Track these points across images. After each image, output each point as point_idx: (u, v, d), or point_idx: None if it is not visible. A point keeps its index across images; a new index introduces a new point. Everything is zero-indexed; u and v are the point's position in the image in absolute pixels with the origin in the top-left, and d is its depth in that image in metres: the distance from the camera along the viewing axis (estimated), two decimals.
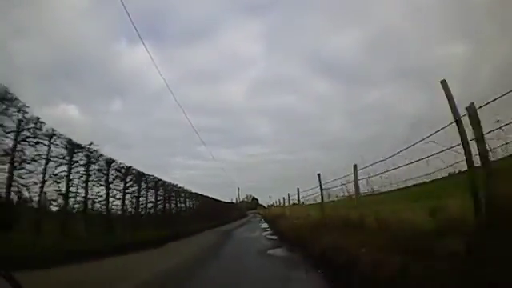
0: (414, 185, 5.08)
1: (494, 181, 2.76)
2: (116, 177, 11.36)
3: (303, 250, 6.49)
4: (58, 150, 8.82)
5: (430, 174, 4.09)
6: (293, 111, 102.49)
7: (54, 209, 8.94)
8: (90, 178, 10.01)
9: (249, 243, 10.75)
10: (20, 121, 7.92)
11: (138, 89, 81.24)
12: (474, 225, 2.80)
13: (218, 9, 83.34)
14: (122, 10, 9.90)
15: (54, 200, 8.68)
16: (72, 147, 9.32)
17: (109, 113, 69.04)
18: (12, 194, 7.73)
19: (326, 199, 8.52)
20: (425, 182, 4.71)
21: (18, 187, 7.84)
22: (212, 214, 26.17)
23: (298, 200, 13.97)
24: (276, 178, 78.24)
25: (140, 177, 13.36)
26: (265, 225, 22.52)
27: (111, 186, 11.04)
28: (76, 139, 9.41)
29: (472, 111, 3.05)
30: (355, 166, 5.94)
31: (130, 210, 12.40)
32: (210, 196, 29.01)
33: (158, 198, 15.51)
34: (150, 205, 14.58)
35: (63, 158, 8.99)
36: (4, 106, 7.63)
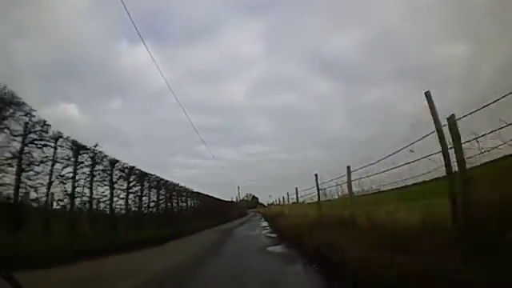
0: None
1: (469, 187, 3.06)
2: (120, 177, 11.69)
3: (301, 247, 6.81)
4: (64, 152, 9.16)
5: (415, 176, 4.40)
6: (293, 110, 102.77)
7: (60, 209, 9.25)
8: (95, 179, 10.34)
9: (249, 241, 11.07)
10: (26, 124, 8.21)
11: (139, 88, 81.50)
12: (452, 227, 3.10)
13: (219, 9, 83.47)
14: (123, 10, 10.00)
15: (61, 200, 8.98)
16: (77, 148, 9.64)
17: (109, 112, 69.39)
18: (20, 195, 8.06)
19: (322, 198, 8.83)
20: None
21: (26, 188, 8.16)
22: (212, 212, 26.50)
23: (297, 199, 14.29)
24: (276, 177, 78.64)
25: (143, 176, 13.68)
26: (265, 223, 22.81)
27: (115, 185, 11.36)
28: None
29: (452, 122, 3.33)
30: (348, 168, 6.25)
31: (133, 209, 12.73)
32: (210, 195, 29.36)
33: (160, 198, 15.84)
34: (152, 204, 14.92)
35: (69, 159, 9.31)
36: (11, 110, 7.94)
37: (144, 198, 13.85)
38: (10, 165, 7.74)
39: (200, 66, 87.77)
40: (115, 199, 11.32)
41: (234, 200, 55.76)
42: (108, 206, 10.99)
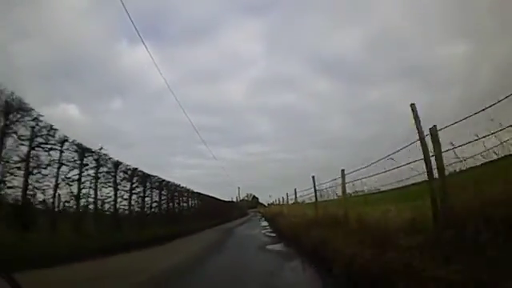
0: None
1: (448, 191, 3.38)
2: (123, 178, 12.01)
3: (298, 245, 7.16)
4: (70, 155, 9.48)
5: (401, 180, 4.73)
6: (293, 110, 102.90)
7: (67, 209, 9.57)
8: (100, 180, 10.66)
9: (249, 240, 11.41)
10: (33, 128, 8.52)
11: (139, 88, 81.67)
12: (433, 227, 3.42)
13: (219, 8, 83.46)
14: (123, 10, 9.95)
15: (68, 201, 9.30)
16: (82, 151, 9.96)
17: (109, 112, 69.55)
18: (28, 196, 8.37)
19: (320, 199, 9.16)
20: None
21: (34, 190, 8.47)
22: (213, 212, 26.82)
23: (295, 199, 14.66)
24: (276, 177, 78.82)
25: (145, 178, 14.00)
26: (265, 223, 23.14)
27: (119, 187, 11.69)
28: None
29: (434, 132, 3.65)
30: (343, 171, 6.58)
31: (136, 209, 13.06)
32: (211, 195, 29.68)
33: (162, 198, 16.17)
34: (154, 204, 15.24)
35: (74, 162, 9.63)
36: (19, 116, 8.25)
37: (146, 199, 14.19)
38: (19, 168, 8.07)
39: (200, 65, 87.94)
40: (119, 200, 11.64)
41: (235, 200, 56.08)
42: (112, 207, 11.30)
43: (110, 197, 11.14)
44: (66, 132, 9.38)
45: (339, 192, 7.11)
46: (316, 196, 9.21)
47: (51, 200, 8.87)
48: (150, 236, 11.10)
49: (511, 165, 3.08)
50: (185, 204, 20.98)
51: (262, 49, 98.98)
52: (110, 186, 11.18)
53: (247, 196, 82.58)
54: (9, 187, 7.89)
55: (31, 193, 8.35)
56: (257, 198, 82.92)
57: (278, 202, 28.14)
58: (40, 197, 8.61)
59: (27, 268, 4.73)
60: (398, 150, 4.37)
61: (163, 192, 16.30)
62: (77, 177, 9.65)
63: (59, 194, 9.04)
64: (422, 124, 3.90)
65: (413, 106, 3.93)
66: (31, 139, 8.39)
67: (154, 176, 15.06)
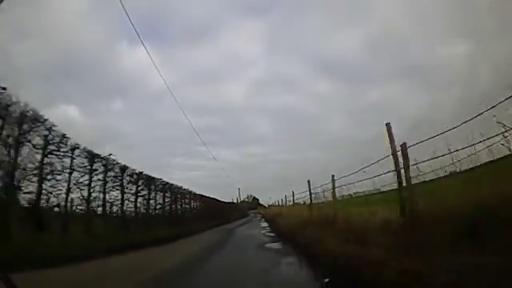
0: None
1: (414, 198, 4.04)
2: (129, 182, 12.66)
3: (294, 244, 7.82)
4: (81, 160, 10.12)
5: (384, 185, 5.41)
6: (293, 111, 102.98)
7: (77, 212, 10.19)
8: (108, 184, 11.31)
9: (249, 240, 12.04)
10: (46, 136, 9.13)
11: (139, 89, 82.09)
12: (401, 226, 4.07)
13: (219, 9, 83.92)
14: (123, 12, 10.29)
15: (80, 204, 9.94)
16: (92, 157, 10.60)
17: (109, 113, 69.66)
18: (42, 200, 8.97)
19: (315, 201, 9.82)
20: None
21: (48, 195, 9.10)
22: (214, 214, 27.42)
23: (293, 201, 15.38)
24: (277, 178, 79.10)
25: (149, 181, 14.65)
26: (264, 224, 23.69)
27: (125, 190, 12.34)
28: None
29: (404, 148, 4.31)
30: (333, 176, 7.26)
31: (142, 211, 13.71)
32: (211, 197, 30.29)
33: (166, 200, 16.81)
34: (158, 206, 15.89)
35: (85, 167, 10.28)
36: (33, 126, 8.86)
37: (151, 201, 14.83)
38: (35, 175, 8.69)
39: (200, 66, 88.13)
40: (126, 202, 12.28)
41: (235, 201, 56.63)
42: (119, 209, 11.94)
43: (118, 200, 11.78)
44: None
45: (329, 196, 7.77)
46: (311, 198, 9.87)
47: (63, 203, 9.51)
48: (155, 236, 11.66)
49: (467, 178, 3.72)
50: (187, 206, 21.60)
51: (262, 49, 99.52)
52: (117, 190, 11.83)
53: (247, 197, 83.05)
54: (25, 192, 8.52)
55: (45, 197, 9.00)
56: (257, 199, 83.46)
57: (277, 203, 28.77)
58: (53, 201, 9.25)
59: (41, 267, 5.32)
60: (372, 164, 5.04)
61: (167, 194, 16.94)
62: (87, 181, 10.30)
63: (72, 198, 9.68)
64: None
65: (388, 125, 4.59)
66: (44, 147, 9.01)
67: (158, 179, 15.74)
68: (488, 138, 3.24)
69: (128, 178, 12.63)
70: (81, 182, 9.92)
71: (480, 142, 3.32)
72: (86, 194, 10.21)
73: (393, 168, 4.65)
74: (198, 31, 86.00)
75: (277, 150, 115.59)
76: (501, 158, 3.22)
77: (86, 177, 10.19)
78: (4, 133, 8.02)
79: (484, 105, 3.38)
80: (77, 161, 9.89)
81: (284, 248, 8.46)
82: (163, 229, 13.87)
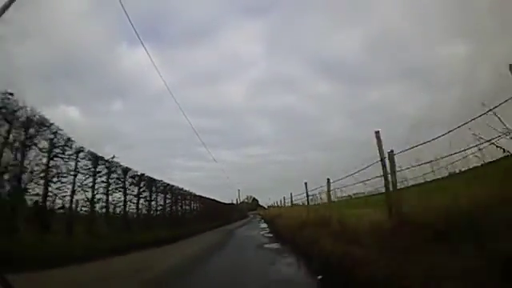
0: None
1: (400, 201, 4.35)
2: (131, 183, 12.95)
3: (292, 244, 8.12)
4: (85, 163, 10.42)
5: (377, 188, 5.70)
6: (293, 112, 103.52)
7: (81, 213, 10.48)
8: (111, 186, 11.60)
9: (249, 240, 12.34)
10: (52, 140, 9.43)
11: (139, 90, 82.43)
12: (388, 228, 4.36)
13: (219, 10, 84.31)
14: (123, 12, 10.28)
15: (84, 206, 10.23)
16: (96, 160, 10.90)
17: (109, 114, 69.96)
18: (48, 202, 9.26)
19: (312, 203, 10.13)
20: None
21: (53, 197, 9.38)
22: (214, 215, 27.70)
23: (291, 203, 15.72)
24: (276, 179, 79.43)
25: (151, 182, 14.94)
26: (264, 225, 23.96)
27: (127, 191, 12.63)
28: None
29: (391, 156, 4.61)
30: (328, 180, 7.56)
31: (143, 212, 14.00)
32: (211, 198, 30.55)
33: (167, 202, 17.10)
34: (159, 207, 16.19)
35: (89, 170, 10.57)
36: (39, 130, 9.15)
37: (152, 203, 15.12)
38: (41, 177, 8.98)
39: (200, 67, 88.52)
40: (128, 203, 12.57)
41: (235, 202, 56.87)
42: (122, 210, 12.23)
43: (120, 201, 12.08)
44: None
45: (320, 198, 8.09)
46: (308, 200, 10.20)
47: (68, 205, 9.80)
48: (157, 237, 11.94)
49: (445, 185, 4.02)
50: (187, 207, 21.88)
51: (262, 50, 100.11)
52: (120, 191, 12.12)
53: (247, 198, 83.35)
54: (32, 194, 8.80)
55: (51, 199, 9.29)
56: (257, 201, 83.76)
57: (276, 204, 29.06)
58: (58, 202, 9.55)
59: (46, 267, 5.59)
60: (363, 169, 5.33)
61: (167, 196, 17.22)
62: (91, 183, 10.59)
63: (77, 200, 9.97)
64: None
65: (377, 133, 4.90)
66: (50, 151, 9.30)
67: (160, 181, 16.04)
68: (464, 150, 3.55)
69: (130, 180, 12.92)
70: (85, 184, 10.20)
71: (455, 153, 3.64)
72: (90, 195, 10.53)
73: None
74: (198, 32, 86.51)
75: (276, 151, 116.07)
76: (474, 167, 3.53)
77: (90, 179, 10.46)
78: (11, 137, 8.34)
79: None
80: (81, 163, 10.19)
81: (283, 248, 8.77)
82: (164, 230, 14.14)
